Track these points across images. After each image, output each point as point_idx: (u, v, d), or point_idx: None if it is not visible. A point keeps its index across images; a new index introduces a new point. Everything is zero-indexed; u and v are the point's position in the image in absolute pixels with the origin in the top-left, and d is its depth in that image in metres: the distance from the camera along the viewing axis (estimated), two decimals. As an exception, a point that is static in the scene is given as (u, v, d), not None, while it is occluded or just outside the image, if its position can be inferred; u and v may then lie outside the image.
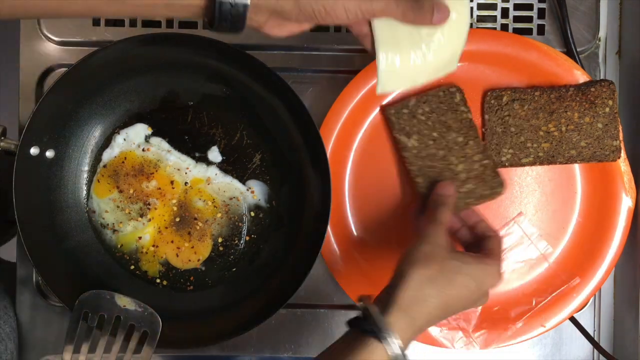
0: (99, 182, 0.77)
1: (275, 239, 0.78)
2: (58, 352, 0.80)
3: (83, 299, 0.72)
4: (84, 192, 0.78)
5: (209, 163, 0.78)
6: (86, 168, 0.77)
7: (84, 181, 0.77)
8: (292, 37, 0.79)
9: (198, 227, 0.78)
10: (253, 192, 0.78)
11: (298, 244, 0.76)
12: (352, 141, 0.78)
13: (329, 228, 0.76)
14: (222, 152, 0.78)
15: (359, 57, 0.80)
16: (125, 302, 0.73)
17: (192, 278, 0.78)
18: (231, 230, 0.78)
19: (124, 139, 0.77)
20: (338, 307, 0.81)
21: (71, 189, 0.77)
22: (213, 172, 0.78)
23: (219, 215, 0.78)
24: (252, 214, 0.78)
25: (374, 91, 0.76)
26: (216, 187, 0.78)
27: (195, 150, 0.78)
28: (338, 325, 0.81)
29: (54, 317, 0.80)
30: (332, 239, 0.76)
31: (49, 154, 0.74)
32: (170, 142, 0.77)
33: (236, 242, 0.78)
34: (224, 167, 0.78)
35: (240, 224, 0.78)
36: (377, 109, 0.77)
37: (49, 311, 0.80)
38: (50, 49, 0.79)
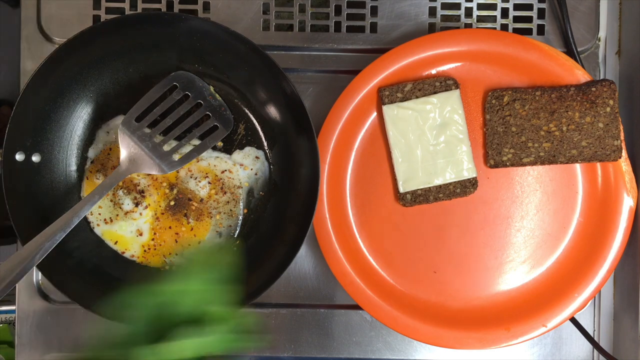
0: (87, 179, 0.77)
1: (272, 207, 0.78)
2: (58, 352, 0.80)
3: (177, 75, 0.75)
4: (76, 191, 0.77)
5: (195, 141, 0.77)
6: (74, 167, 0.77)
7: (75, 181, 0.77)
8: (292, 37, 0.80)
9: (194, 208, 0.77)
10: (242, 165, 0.78)
11: (294, 208, 0.75)
12: (353, 141, 0.78)
13: (330, 228, 0.76)
14: None
15: (359, 57, 0.80)
16: (214, 92, 0.76)
17: None
18: (228, 205, 0.78)
19: (107, 132, 0.77)
20: (338, 307, 0.81)
21: (63, 190, 0.76)
22: None
23: (214, 191, 0.77)
24: (247, 184, 0.78)
25: (375, 91, 0.76)
26: (206, 164, 0.77)
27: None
28: (338, 325, 0.81)
29: (54, 317, 0.80)
30: (334, 239, 0.76)
31: (35, 158, 0.74)
32: (150, 124, 0.77)
33: (235, 216, 0.78)
34: None
35: (236, 197, 0.78)
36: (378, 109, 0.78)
37: (49, 311, 0.80)
38: (50, 49, 0.79)
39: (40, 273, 0.80)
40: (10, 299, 0.83)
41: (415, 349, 0.81)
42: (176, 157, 0.74)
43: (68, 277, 0.73)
